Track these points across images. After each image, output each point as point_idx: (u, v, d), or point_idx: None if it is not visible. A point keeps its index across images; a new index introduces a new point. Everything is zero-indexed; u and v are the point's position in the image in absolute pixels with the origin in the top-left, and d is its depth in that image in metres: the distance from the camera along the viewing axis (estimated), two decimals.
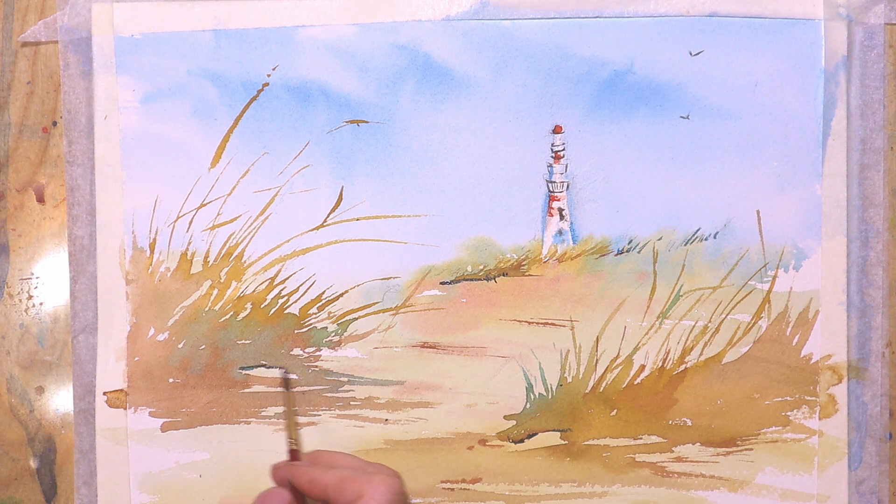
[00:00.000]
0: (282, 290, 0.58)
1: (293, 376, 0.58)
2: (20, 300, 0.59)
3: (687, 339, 0.58)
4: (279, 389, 0.58)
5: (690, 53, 0.57)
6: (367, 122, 0.58)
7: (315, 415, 0.58)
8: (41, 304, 0.59)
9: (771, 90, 0.57)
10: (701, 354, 0.58)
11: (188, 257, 0.58)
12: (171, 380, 0.58)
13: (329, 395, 0.58)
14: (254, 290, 0.58)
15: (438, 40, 0.57)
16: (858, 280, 0.58)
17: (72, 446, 0.58)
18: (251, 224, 0.58)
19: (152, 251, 0.58)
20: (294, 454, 0.55)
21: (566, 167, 0.58)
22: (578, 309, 0.58)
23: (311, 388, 0.58)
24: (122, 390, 0.58)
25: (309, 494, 0.51)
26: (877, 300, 0.58)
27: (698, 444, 0.58)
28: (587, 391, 0.58)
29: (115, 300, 0.58)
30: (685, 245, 0.58)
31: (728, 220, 0.58)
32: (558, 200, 0.58)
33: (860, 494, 0.58)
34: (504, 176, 0.58)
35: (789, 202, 0.58)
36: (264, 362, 0.58)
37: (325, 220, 0.58)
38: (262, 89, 0.58)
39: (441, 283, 0.58)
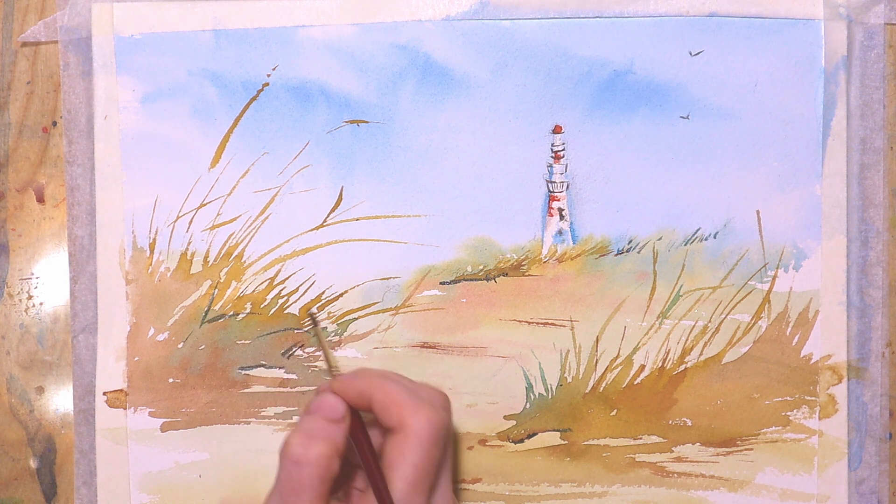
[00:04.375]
0: (282, 290, 0.58)
1: (317, 313, 0.57)
2: (20, 300, 0.59)
3: (687, 339, 0.58)
4: (308, 329, 0.57)
5: (690, 53, 0.57)
6: (367, 122, 0.58)
7: None
8: (41, 304, 0.59)
9: (771, 90, 0.57)
10: (701, 354, 0.58)
11: (188, 257, 0.58)
12: (170, 380, 0.58)
13: None
14: (254, 290, 0.58)
15: (438, 40, 0.57)
16: (858, 280, 0.58)
17: (72, 446, 0.58)
18: (251, 224, 0.58)
19: (152, 251, 0.58)
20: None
21: (566, 167, 0.58)
22: (578, 309, 0.58)
23: (312, 388, 0.58)
24: (122, 390, 0.58)
25: (356, 406, 0.50)
26: (877, 300, 0.58)
27: (698, 444, 0.58)
28: (587, 391, 0.58)
29: (115, 300, 0.58)
30: (685, 245, 0.58)
31: (728, 220, 0.58)
32: (558, 200, 0.58)
33: (860, 494, 0.58)
34: (504, 176, 0.58)
35: (789, 202, 0.58)
36: (264, 362, 0.58)
37: (324, 220, 0.58)
38: (261, 89, 0.58)
39: (441, 283, 0.58)
